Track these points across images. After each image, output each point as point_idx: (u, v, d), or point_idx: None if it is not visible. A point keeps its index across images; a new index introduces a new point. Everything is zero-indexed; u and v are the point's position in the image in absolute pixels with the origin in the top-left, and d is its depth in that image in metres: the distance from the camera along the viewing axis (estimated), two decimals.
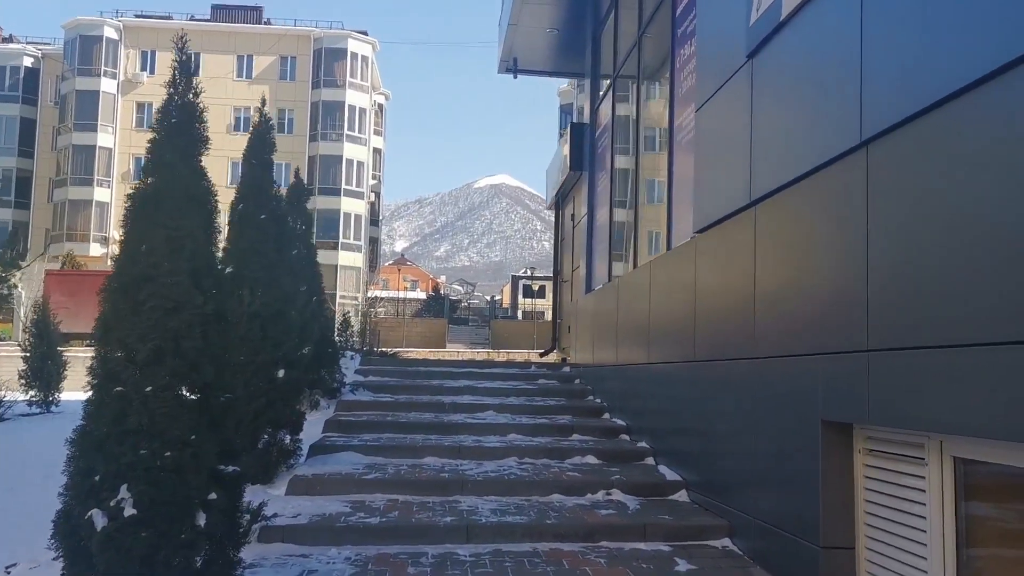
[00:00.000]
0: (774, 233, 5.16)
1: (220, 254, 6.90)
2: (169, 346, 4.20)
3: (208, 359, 4.39)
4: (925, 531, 3.79)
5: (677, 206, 7.69)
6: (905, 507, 3.96)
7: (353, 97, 53.20)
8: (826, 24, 4.59)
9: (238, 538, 4.56)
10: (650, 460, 7.69)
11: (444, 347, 35.94)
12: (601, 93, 11.82)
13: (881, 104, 3.94)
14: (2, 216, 52.46)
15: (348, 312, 23.48)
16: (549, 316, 24.67)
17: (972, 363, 3.22)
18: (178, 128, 4.38)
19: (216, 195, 4.56)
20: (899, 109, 3.77)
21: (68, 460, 4.21)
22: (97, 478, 4.09)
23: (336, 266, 51.50)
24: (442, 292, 68.14)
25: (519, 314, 54.78)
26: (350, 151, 52.98)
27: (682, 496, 6.67)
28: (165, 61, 51.31)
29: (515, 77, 13.98)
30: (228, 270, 6.75)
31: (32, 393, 14.36)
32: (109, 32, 51.82)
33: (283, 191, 9.96)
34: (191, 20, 54.44)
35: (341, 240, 52.42)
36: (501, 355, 25.38)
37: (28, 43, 56.34)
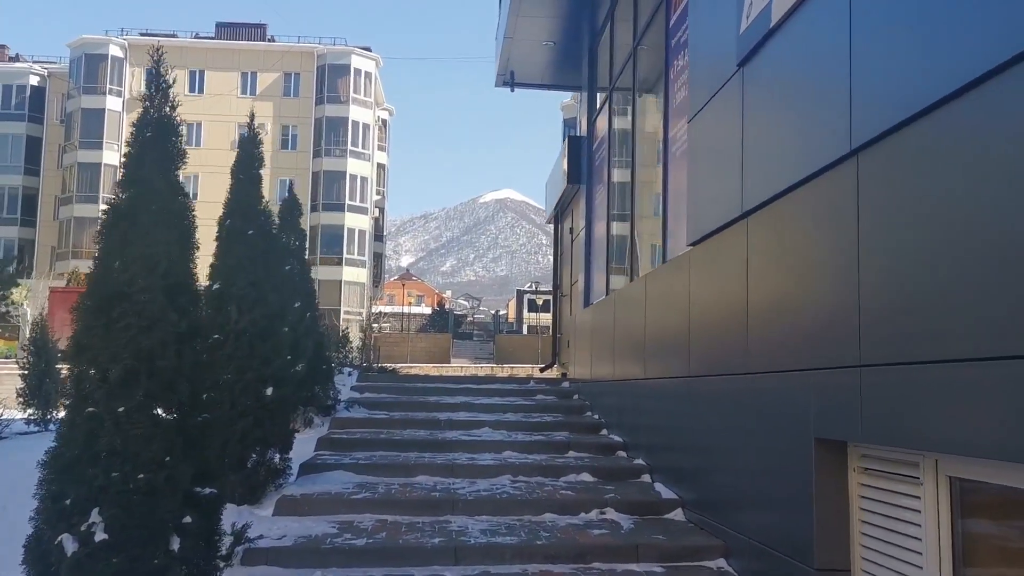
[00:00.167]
0: (766, 245, 5.05)
1: (208, 270, 6.86)
2: (143, 365, 4.12)
3: (184, 378, 4.30)
4: (921, 553, 3.66)
5: (672, 219, 7.59)
6: (900, 528, 3.83)
7: (357, 113, 53.33)
8: (816, 30, 4.50)
9: (216, 562, 4.44)
10: (647, 478, 7.55)
11: (449, 362, 35.81)
12: (598, 106, 11.75)
13: (871, 111, 3.84)
14: (8, 234, 52.64)
15: (347, 328, 23.34)
16: None
17: (967, 379, 3.09)
18: (153, 142, 4.31)
19: (194, 210, 4.48)
20: (889, 116, 3.66)
21: (39, 483, 4.12)
22: (68, 502, 4.00)
23: (340, 282, 51.49)
24: (447, 307, 68.08)
25: (524, 328, 54.65)
26: (354, 167, 53.06)
27: (678, 515, 6.52)
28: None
29: (512, 90, 13.93)
30: (215, 287, 6.69)
31: (30, 411, 14.27)
32: (114, 50, 52.13)
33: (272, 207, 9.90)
34: (195, 38, 54.71)
35: (345, 256, 52.41)
36: (505, 370, 25.23)
37: (34, 62, 56.70)
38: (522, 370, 22.83)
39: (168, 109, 4.34)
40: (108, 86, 51.50)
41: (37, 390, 14.42)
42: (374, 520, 6.22)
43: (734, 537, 5.45)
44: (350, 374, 12.76)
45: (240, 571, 5.19)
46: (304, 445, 8.28)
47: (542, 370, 16.65)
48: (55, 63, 56.26)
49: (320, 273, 50.69)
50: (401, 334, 43.48)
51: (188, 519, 4.14)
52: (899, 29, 3.66)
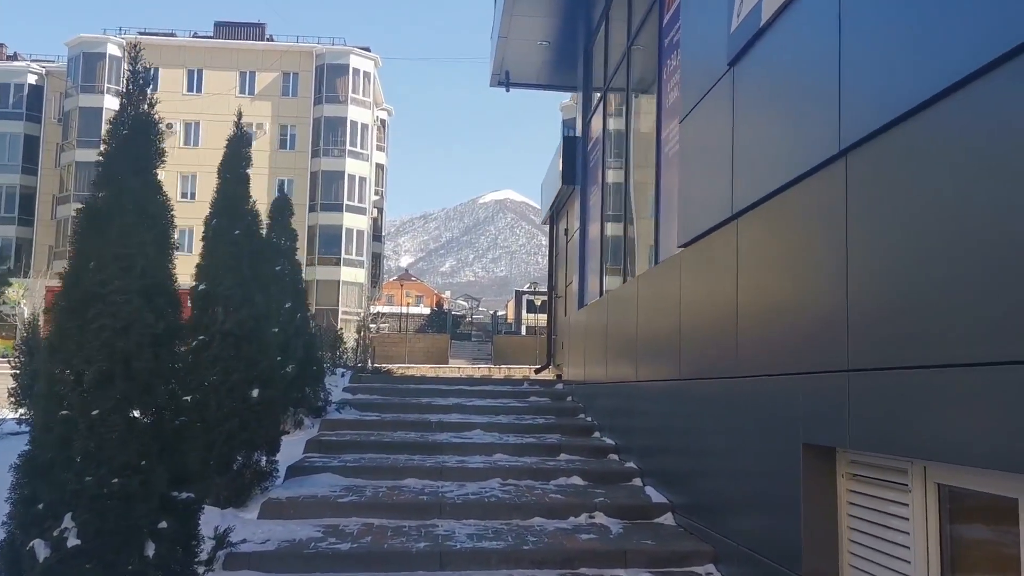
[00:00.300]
0: (755, 247, 4.98)
1: (194, 270, 6.79)
2: (118, 368, 4.04)
3: (161, 380, 4.22)
4: (909, 561, 3.59)
5: (664, 220, 7.51)
6: (889, 536, 3.76)
7: (355, 113, 53.23)
8: (805, 28, 4.43)
9: (194, 568, 4.37)
10: (637, 481, 7.48)
11: (447, 363, 35.70)
12: (592, 106, 11.68)
13: (860, 110, 3.77)
14: (6, 233, 52.52)
15: (341, 328, 23.22)
16: None
17: (955, 384, 3.02)
18: (130, 140, 4.22)
19: (172, 210, 4.40)
20: (878, 115, 3.59)
21: (12, 487, 4.04)
22: (40, 506, 3.92)
23: (338, 282, 51.40)
24: (446, 307, 67.96)
25: (523, 329, 54.54)
26: (352, 167, 52.96)
27: (668, 519, 6.45)
28: (169, 78, 51.63)
29: (507, 90, 13.85)
30: (201, 287, 6.62)
31: (22, 411, 14.17)
32: (112, 49, 52.04)
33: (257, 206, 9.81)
34: (194, 37, 54.60)
35: (343, 256, 52.32)
36: (502, 371, 25.14)
37: (32, 61, 56.60)
38: (519, 371, 22.74)
39: (146, 106, 4.25)
40: (106, 85, 51.36)
41: (29, 390, 14.33)
42: (360, 524, 6.14)
43: (723, 542, 5.38)
44: (343, 375, 12.68)
45: None
46: (293, 447, 8.21)
47: (537, 371, 16.58)
48: (53, 62, 56.16)
49: (318, 273, 50.66)
50: (399, 334, 43.35)
51: (164, 524, 4.07)
52: (888, 28, 3.59)
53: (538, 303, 56.63)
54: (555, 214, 15.51)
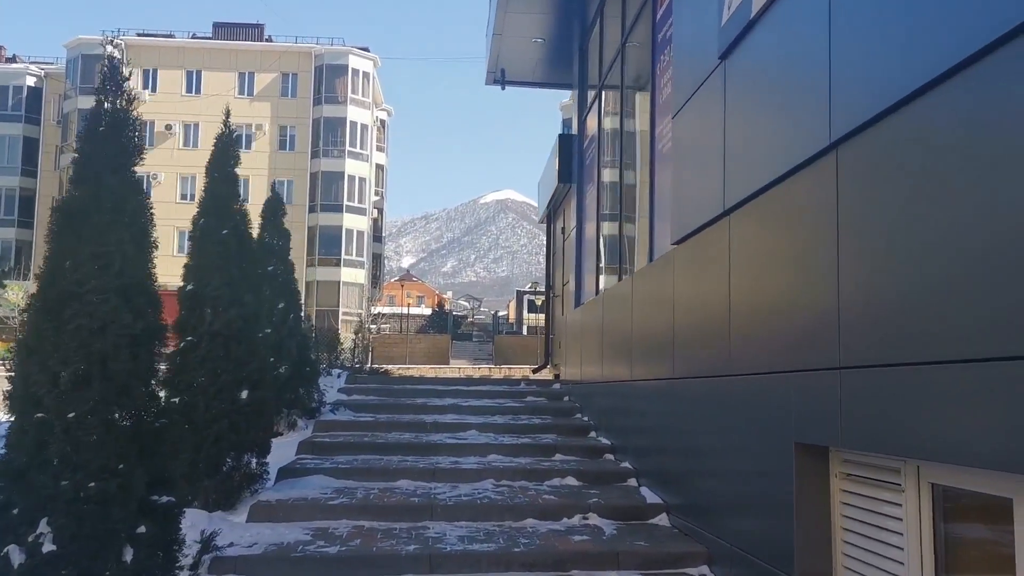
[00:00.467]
0: (746, 243, 4.89)
1: (182, 270, 6.71)
2: (95, 369, 3.96)
3: (140, 381, 4.14)
4: (903, 563, 3.50)
5: (659, 217, 7.43)
6: (882, 536, 3.67)
7: (355, 113, 53.12)
8: (795, 18, 4.34)
9: (175, 573, 4.29)
10: (633, 481, 7.39)
11: (447, 363, 35.56)
12: (588, 104, 11.59)
13: (850, 102, 3.68)
14: (6, 235, 52.48)
15: (338, 328, 23.14)
16: None
17: (948, 381, 2.93)
18: (106, 137, 4.14)
19: (151, 208, 4.32)
20: (869, 106, 3.50)
21: None
22: (16, 511, 3.84)
23: (339, 283, 51.30)
24: (447, 308, 67.86)
25: (524, 329, 54.45)
26: (352, 167, 52.85)
27: (662, 520, 6.37)
28: (167, 79, 51.61)
29: (503, 88, 13.75)
30: (188, 288, 6.54)
31: None
32: (111, 51, 52.00)
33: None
34: (193, 38, 54.51)
35: (344, 257, 52.20)
36: (502, 371, 25.03)
37: (31, 63, 56.55)
38: (519, 371, 22.61)
39: (123, 103, 4.17)
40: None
41: None
42: (350, 527, 6.06)
43: (717, 544, 5.30)
44: (339, 376, 12.60)
45: None
46: (285, 449, 8.13)
47: (535, 371, 16.50)
48: (52, 64, 56.10)
49: (318, 274, 50.58)
50: (400, 335, 43.25)
51: (143, 529, 3.99)
52: (879, 15, 3.50)
53: (539, 303, 56.46)
54: (552, 213, 15.42)
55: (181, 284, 6.59)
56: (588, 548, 5.61)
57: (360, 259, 53.66)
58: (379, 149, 58.89)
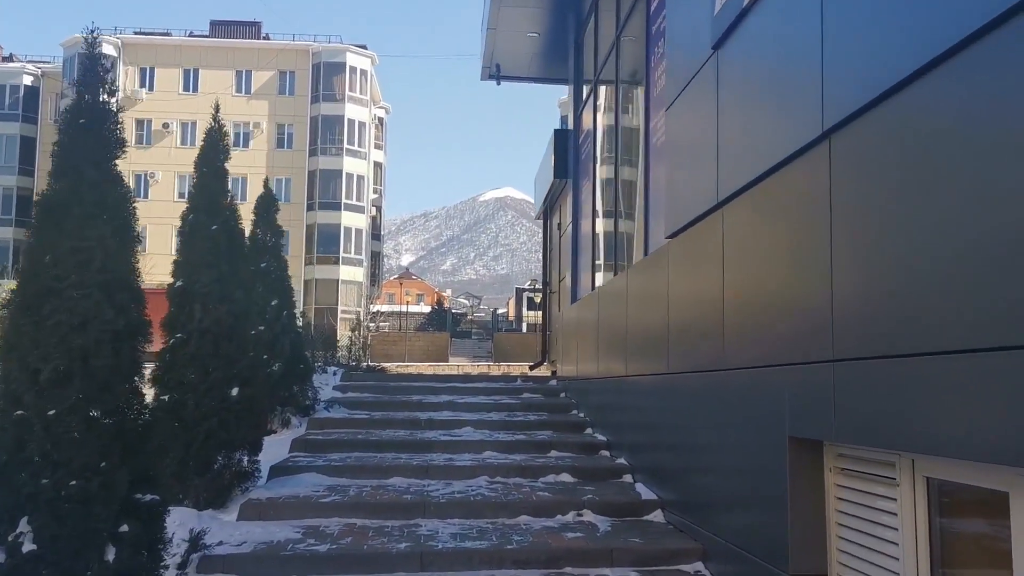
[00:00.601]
0: (740, 235, 4.83)
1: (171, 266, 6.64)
2: (76, 366, 3.89)
3: (122, 378, 4.07)
4: (898, 559, 3.44)
5: (653, 211, 7.37)
6: (877, 531, 3.61)
7: (352, 111, 53.02)
8: (788, 3, 4.27)
9: (159, 573, 4.22)
10: (628, 478, 7.33)
11: (447, 360, 35.47)
12: (583, 98, 11.52)
13: (843, 89, 3.61)
14: (3, 235, 52.39)
15: (336, 326, 23.06)
16: None
17: (943, 373, 2.87)
18: (86, 130, 4.07)
19: (134, 202, 4.25)
20: (861, 94, 3.43)
21: None
22: None
23: (337, 281, 51.23)
24: (446, 306, 67.80)
25: (523, 327, 54.39)
26: (350, 165, 52.77)
27: (657, 516, 6.30)
28: (164, 78, 51.53)
29: (498, 83, 13.67)
30: (178, 284, 6.47)
31: None
32: (108, 49, 51.81)
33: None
34: (190, 36, 54.42)
35: (342, 255, 52.13)
36: (501, 368, 24.96)
37: (28, 62, 56.45)
38: (518, 368, 22.53)
39: (104, 95, 4.09)
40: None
41: None
42: (341, 524, 6.00)
43: (712, 540, 5.23)
44: (335, 373, 12.53)
45: None
46: (278, 446, 8.07)
47: (532, 368, 16.45)
48: (49, 63, 56.00)
49: (317, 272, 50.52)
50: (399, 333, 43.17)
51: (125, 528, 3.92)
52: None
53: (538, 300, 56.43)
54: (548, 209, 15.36)
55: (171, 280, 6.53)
56: (582, 545, 5.55)
57: (359, 257, 53.60)
58: (377, 147, 58.79)
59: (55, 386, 3.83)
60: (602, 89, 10.40)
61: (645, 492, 6.72)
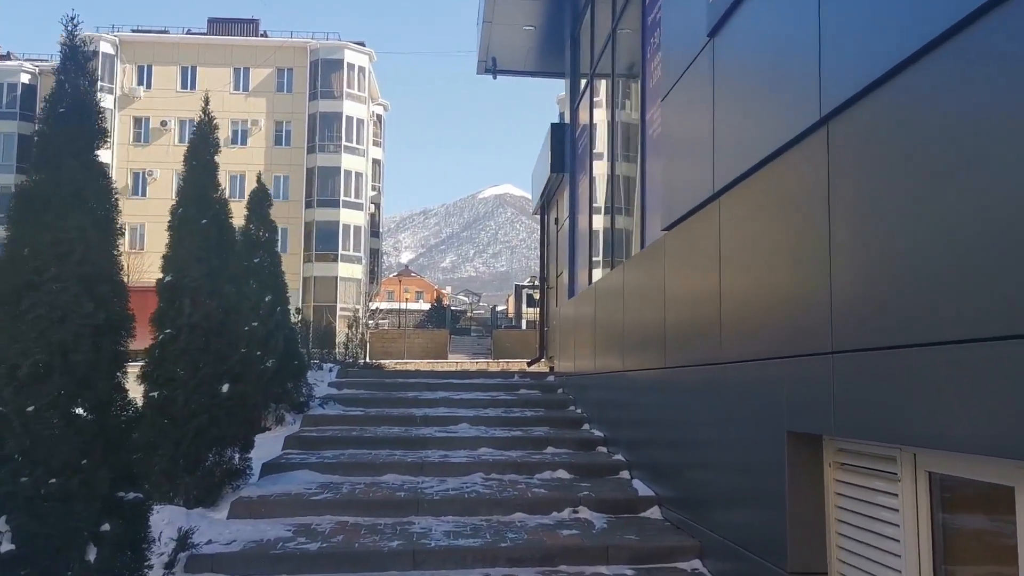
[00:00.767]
0: (736, 226, 4.73)
1: (161, 261, 6.53)
2: (56, 361, 3.80)
3: (102, 374, 3.97)
4: (899, 556, 3.35)
5: (650, 204, 7.27)
6: (878, 527, 3.52)
7: (351, 108, 52.83)
8: None
9: (143, 572, 4.13)
10: (625, 474, 7.24)
11: (446, 358, 35.41)
12: (580, 92, 11.41)
13: (841, 73, 3.51)
14: (3, 234, 52.26)
15: (334, 323, 22.97)
16: None
17: (945, 364, 2.77)
18: (67, 120, 3.97)
19: (116, 193, 4.15)
20: (858, 78, 3.34)
21: None
22: None
23: (336, 278, 51.08)
24: (445, 303, 67.71)
25: (523, 323, 54.29)
26: (348, 162, 52.59)
27: (654, 513, 6.21)
28: (162, 75, 51.35)
29: (495, 77, 13.57)
30: (167, 279, 6.38)
31: None
32: (105, 47, 51.66)
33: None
34: (188, 34, 54.23)
35: (341, 252, 51.95)
36: (499, 365, 24.87)
37: (25, 60, 56.26)
38: (517, 365, 22.45)
39: (85, 84, 3.99)
40: (99, 83, 51.06)
41: None
42: (333, 522, 5.91)
43: (709, 536, 5.14)
44: (330, 370, 12.43)
45: None
46: (272, 443, 7.98)
47: (529, 364, 16.36)
48: (46, 61, 55.78)
49: (316, 270, 50.36)
50: (398, 330, 43.09)
51: (107, 527, 3.83)
52: None
53: (537, 297, 56.33)
54: (546, 204, 15.24)
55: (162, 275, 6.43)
56: (577, 542, 5.45)
57: (357, 254, 53.44)
58: (375, 144, 58.63)
59: (34, 382, 3.74)
60: (598, 82, 10.30)
61: (642, 488, 6.62)
